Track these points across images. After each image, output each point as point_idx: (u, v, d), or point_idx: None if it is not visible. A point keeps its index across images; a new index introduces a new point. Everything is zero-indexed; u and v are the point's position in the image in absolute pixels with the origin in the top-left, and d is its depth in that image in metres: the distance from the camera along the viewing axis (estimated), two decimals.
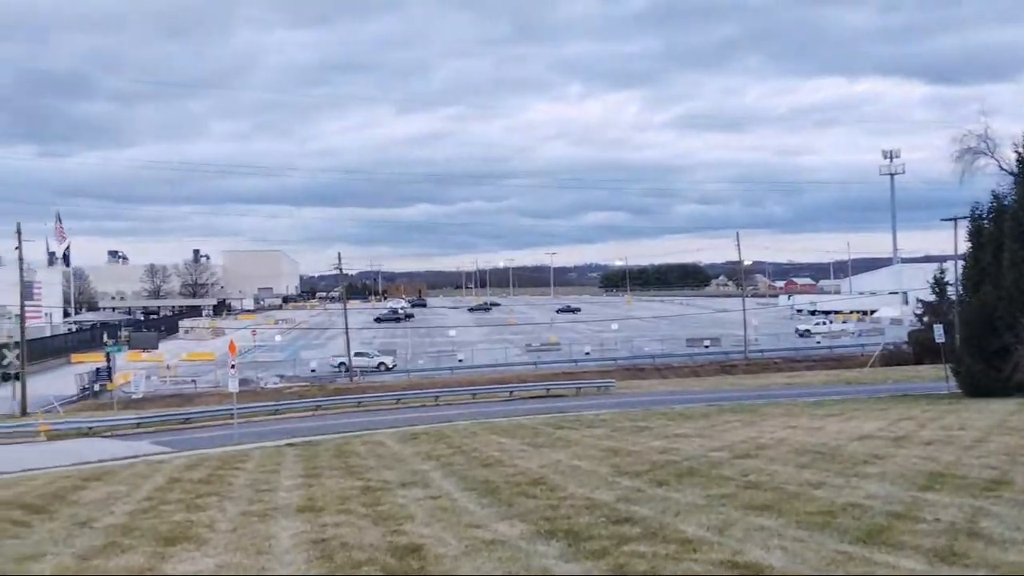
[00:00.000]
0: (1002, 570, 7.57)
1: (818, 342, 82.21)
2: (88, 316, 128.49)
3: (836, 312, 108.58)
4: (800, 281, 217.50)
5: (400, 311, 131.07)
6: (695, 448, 17.57)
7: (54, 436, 38.72)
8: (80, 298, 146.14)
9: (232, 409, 35.02)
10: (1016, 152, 36.61)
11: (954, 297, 43.10)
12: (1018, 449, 15.47)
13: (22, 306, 57.97)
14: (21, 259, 57.35)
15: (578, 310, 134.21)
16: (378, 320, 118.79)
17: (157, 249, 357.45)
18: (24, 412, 49.52)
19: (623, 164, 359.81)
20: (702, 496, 11.47)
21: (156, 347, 77.07)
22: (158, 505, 12.82)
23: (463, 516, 10.80)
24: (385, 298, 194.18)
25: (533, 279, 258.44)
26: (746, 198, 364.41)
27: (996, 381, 33.72)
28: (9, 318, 71.29)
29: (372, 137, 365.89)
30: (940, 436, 18.28)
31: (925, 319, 59.82)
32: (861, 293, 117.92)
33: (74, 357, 75.48)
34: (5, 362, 55.02)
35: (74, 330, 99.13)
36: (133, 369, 64.88)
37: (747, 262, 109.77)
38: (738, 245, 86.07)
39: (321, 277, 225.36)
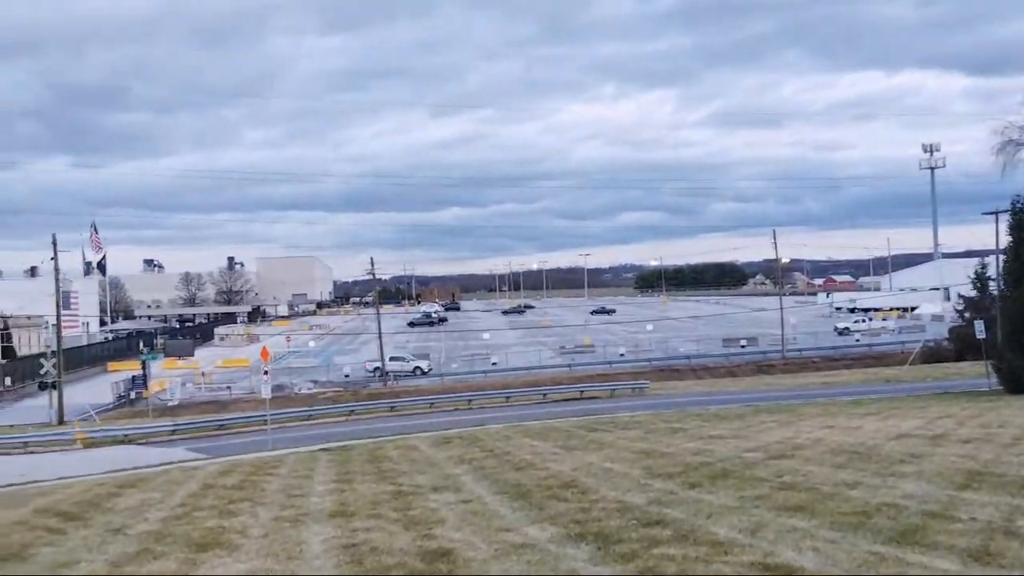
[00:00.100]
0: None
1: (857, 340, 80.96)
2: (124, 324, 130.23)
3: (876, 309, 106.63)
4: (839, 278, 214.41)
5: (434, 315, 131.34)
6: (729, 449, 17.41)
7: (90, 444, 39.18)
8: (116, 307, 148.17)
9: (266, 415, 35.30)
10: None
11: (995, 292, 42.39)
12: None
13: (59, 316, 58.71)
14: (57, 269, 58.09)
15: (613, 311, 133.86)
16: (411, 324, 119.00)
17: (192, 257, 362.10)
18: (61, 420, 50.15)
19: (658, 163, 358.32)
20: (735, 498, 11.36)
21: (192, 354, 77.74)
22: (191, 511, 12.89)
23: (493, 520, 10.79)
24: (419, 302, 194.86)
25: (567, 281, 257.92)
26: (783, 195, 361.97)
27: None
28: (46, 327, 72.33)
29: (405, 141, 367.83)
30: (979, 434, 17.99)
31: (966, 315, 58.68)
32: (901, 289, 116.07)
33: (110, 365, 76.47)
34: (42, 371, 55.76)
35: (110, 339, 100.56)
36: (169, 376, 65.41)
37: (785, 260, 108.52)
38: (775, 243, 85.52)
39: (355, 282, 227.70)
